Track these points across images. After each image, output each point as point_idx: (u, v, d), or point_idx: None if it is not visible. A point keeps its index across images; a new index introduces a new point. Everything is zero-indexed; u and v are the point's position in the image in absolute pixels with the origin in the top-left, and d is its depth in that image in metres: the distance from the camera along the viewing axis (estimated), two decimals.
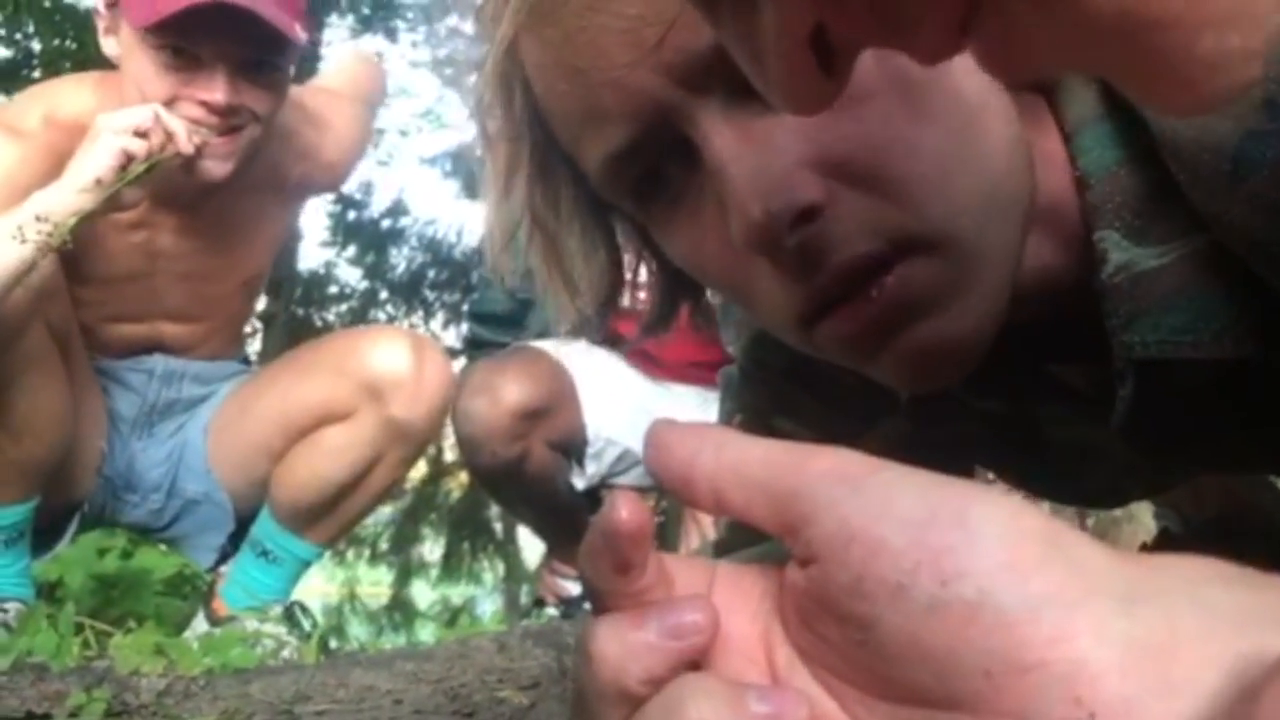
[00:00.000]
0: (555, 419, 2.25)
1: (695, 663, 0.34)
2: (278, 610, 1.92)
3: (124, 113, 1.58)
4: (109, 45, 1.75)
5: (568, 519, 2.40)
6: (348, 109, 2.07)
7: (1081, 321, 0.59)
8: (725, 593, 0.36)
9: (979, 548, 0.30)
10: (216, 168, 1.71)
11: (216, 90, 1.67)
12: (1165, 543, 1.28)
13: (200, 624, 1.94)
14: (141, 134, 1.56)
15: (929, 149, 0.52)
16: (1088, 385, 0.66)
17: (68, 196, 1.53)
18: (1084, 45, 0.28)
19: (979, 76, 0.51)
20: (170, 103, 1.66)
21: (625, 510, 0.34)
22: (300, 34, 1.72)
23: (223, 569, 2.06)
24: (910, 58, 0.30)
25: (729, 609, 0.36)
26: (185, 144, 1.60)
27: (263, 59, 1.72)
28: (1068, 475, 0.78)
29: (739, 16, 0.31)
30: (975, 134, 0.53)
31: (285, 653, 1.74)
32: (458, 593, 10.26)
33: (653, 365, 2.41)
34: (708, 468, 0.36)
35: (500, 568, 9.88)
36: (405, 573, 9.92)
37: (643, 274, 2.25)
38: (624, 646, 0.34)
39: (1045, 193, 0.57)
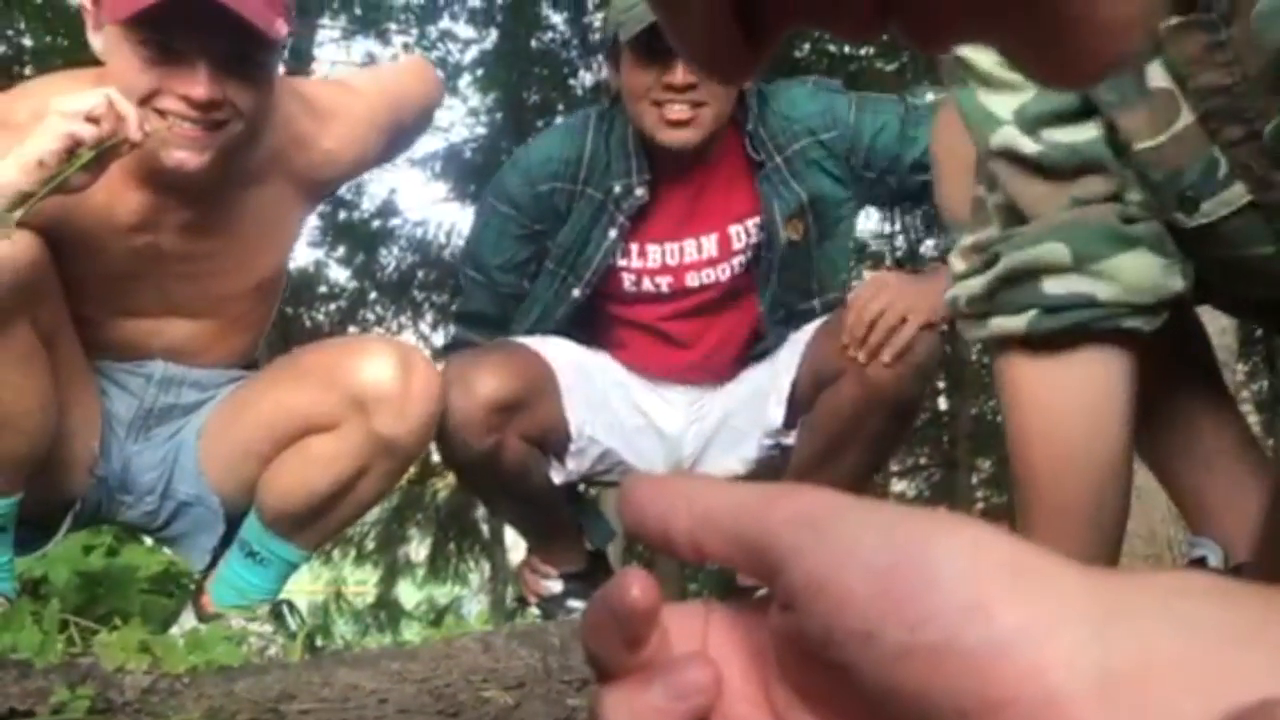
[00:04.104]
0: (532, 413, 2.23)
1: (703, 718, 0.35)
2: (265, 609, 1.92)
3: (77, 96, 1.57)
4: (96, 41, 1.75)
5: (545, 514, 2.38)
6: (357, 102, 2.05)
7: None
8: (720, 637, 0.37)
9: (943, 590, 0.30)
10: (191, 159, 1.70)
11: (198, 85, 1.67)
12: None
13: (188, 620, 1.94)
14: (93, 119, 1.55)
15: None
16: None
17: (8, 173, 1.53)
18: (993, 13, 0.30)
19: None
20: (152, 96, 1.66)
21: (638, 589, 0.34)
22: (281, 30, 1.71)
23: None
24: (835, 35, 0.32)
25: (726, 654, 0.36)
26: (134, 130, 1.58)
27: (245, 54, 1.72)
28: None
29: None
30: None
31: (270, 651, 1.74)
32: (443, 593, 10.26)
33: (643, 366, 2.40)
34: (683, 524, 0.36)
35: (486, 568, 9.88)
36: (391, 572, 9.92)
37: (635, 260, 2.24)
38: (633, 714, 0.34)
39: None
